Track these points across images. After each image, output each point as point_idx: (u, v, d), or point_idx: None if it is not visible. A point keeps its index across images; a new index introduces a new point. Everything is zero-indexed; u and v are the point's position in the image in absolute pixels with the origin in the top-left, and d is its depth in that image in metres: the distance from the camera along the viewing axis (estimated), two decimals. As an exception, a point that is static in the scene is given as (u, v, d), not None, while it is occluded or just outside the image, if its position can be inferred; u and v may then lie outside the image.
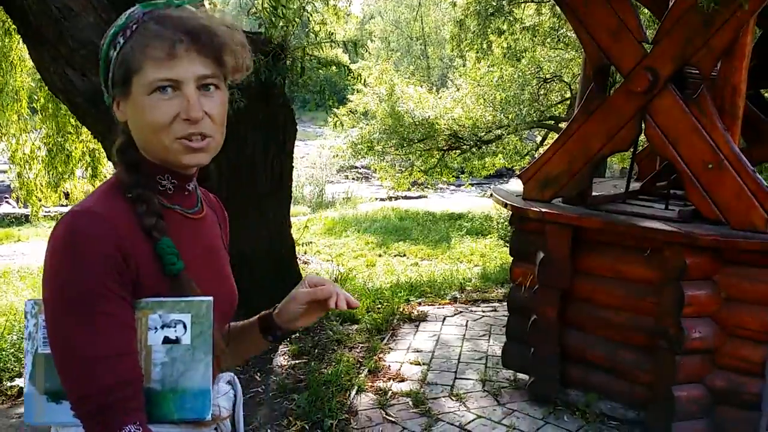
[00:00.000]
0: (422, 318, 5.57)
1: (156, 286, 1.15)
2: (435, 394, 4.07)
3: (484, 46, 12.50)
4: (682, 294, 3.23)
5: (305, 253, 9.77)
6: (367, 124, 13.96)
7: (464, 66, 15.16)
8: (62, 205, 10.51)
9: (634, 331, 3.56)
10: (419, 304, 6.05)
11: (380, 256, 10.44)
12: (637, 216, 3.60)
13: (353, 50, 5.59)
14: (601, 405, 3.70)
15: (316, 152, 21.92)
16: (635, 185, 4.43)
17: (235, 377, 1.42)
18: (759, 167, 5.16)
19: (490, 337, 5.12)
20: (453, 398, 4.01)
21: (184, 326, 1.16)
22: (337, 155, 15.71)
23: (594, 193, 3.98)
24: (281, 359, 4.57)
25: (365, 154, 14.40)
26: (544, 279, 3.74)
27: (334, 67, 5.53)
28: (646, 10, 6.73)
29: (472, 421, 3.73)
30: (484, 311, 5.84)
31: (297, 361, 4.50)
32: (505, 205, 4.00)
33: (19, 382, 4.26)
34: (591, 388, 3.76)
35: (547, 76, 12.85)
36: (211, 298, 1.18)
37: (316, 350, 4.68)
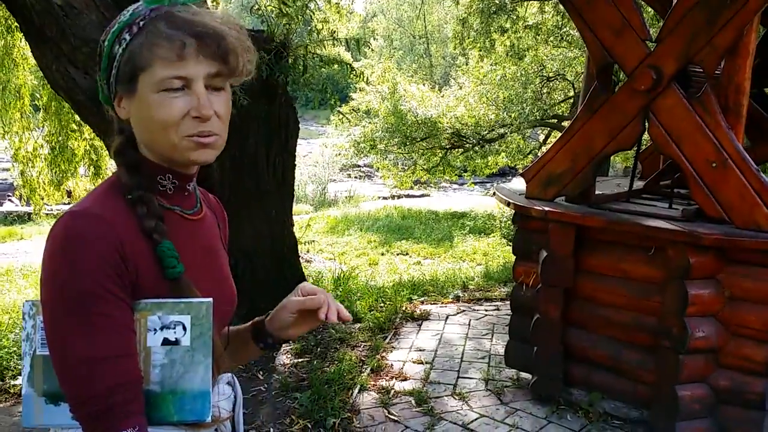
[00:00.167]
0: (425, 317, 5.56)
1: (156, 288, 1.14)
2: (438, 393, 4.07)
3: (487, 44, 12.50)
4: (685, 293, 3.22)
5: (308, 251, 9.78)
6: (370, 123, 13.96)
7: (467, 64, 15.15)
8: (65, 203, 10.55)
9: (637, 331, 3.55)
10: (422, 302, 6.04)
11: (383, 254, 10.44)
12: (640, 215, 3.59)
13: (356, 48, 5.58)
14: (605, 404, 3.69)
15: (319, 151, 21.93)
16: (639, 184, 4.42)
17: (235, 378, 1.41)
18: (763, 166, 5.15)
19: (492, 336, 5.11)
20: (456, 397, 4.01)
21: (184, 328, 1.15)
22: (339, 153, 15.73)
23: (597, 192, 3.97)
24: (284, 358, 4.57)
25: (368, 153, 14.42)
26: (547, 278, 3.73)
27: (336, 66, 5.53)
28: (649, 9, 6.72)
29: (475, 420, 3.72)
30: (486, 310, 5.84)
31: (299, 360, 4.50)
32: (508, 204, 4.00)
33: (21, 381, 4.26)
34: (594, 387, 3.75)
35: (550, 74, 12.83)
36: (210, 300, 1.17)
37: (319, 349, 4.68)
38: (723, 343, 3.30)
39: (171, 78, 1.10)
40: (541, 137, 15.37)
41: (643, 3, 5.63)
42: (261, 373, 4.31)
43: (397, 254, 10.51)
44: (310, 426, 3.61)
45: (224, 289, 1.33)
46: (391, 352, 4.75)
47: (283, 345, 4.72)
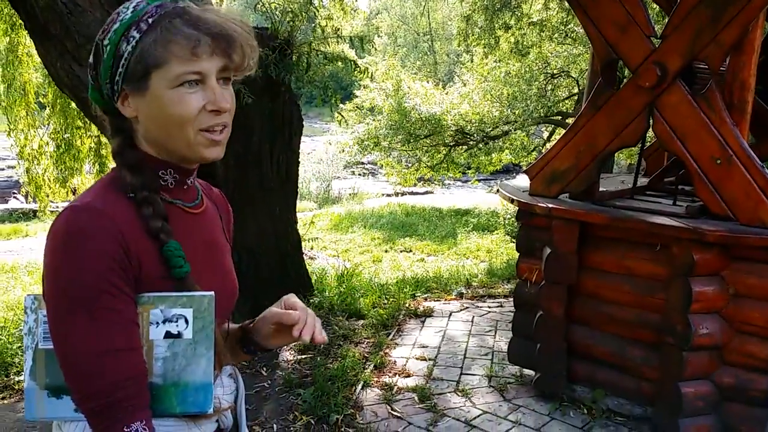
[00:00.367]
0: (428, 313, 5.56)
1: (158, 282, 1.15)
2: (441, 389, 4.07)
3: (491, 41, 12.48)
4: (689, 290, 3.21)
5: (312, 248, 9.78)
6: (374, 120, 13.95)
7: (471, 61, 15.12)
8: (70, 201, 10.55)
9: (641, 327, 3.54)
10: (425, 299, 6.05)
11: (386, 251, 10.44)
12: (644, 212, 3.58)
13: (359, 46, 5.58)
14: (608, 401, 3.69)
15: (323, 148, 21.91)
16: (643, 181, 4.41)
17: (237, 370, 1.42)
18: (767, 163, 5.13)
19: (496, 332, 5.11)
20: (459, 394, 4.01)
21: (186, 321, 1.16)
22: (343, 151, 15.71)
23: (601, 189, 3.96)
24: (287, 354, 4.57)
25: (372, 150, 14.40)
26: (551, 275, 3.73)
27: (340, 63, 5.53)
28: (654, 5, 6.70)
29: (478, 416, 3.73)
30: (490, 307, 5.83)
31: (303, 356, 4.50)
32: (512, 201, 3.99)
33: (26, 376, 4.28)
34: (597, 384, 3.75)
35: (555, 71, 12.81)
36: (212, 293, 1.18)
37: (322, 345, 4.68)
38: (727, 340, 3.29)
39: (188, 73, 1.11)
40: (545, 134, 15.34)
41: (647, -1, 5.61)
42: (264, 369, 4.32)
43: (401, 251, 10.51)
44: (313, 422, 3.62)
45: (226, 283, 1.33)
46: (395, 348, 4.75)
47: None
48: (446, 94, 14.50)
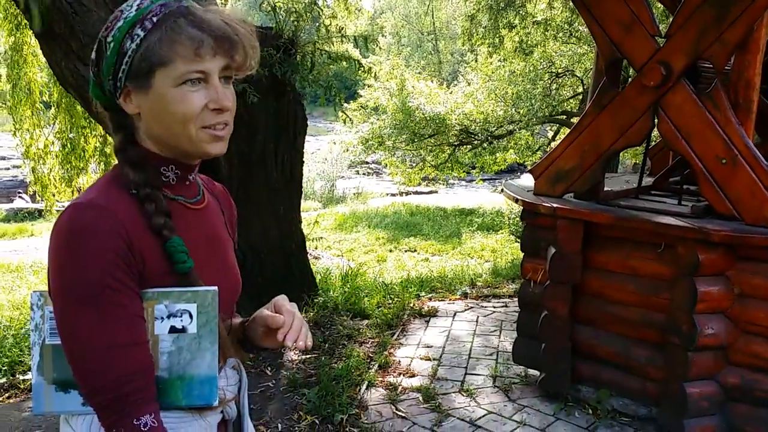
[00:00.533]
0: (433, 313, 5.56)
1: (162, 278, 1.17)
2: (445, 389, 4.07)
3: (496, 40, 12.47)
4: (694, 290, 3.20)
5: (316, 248, 9.80)
6: (378, 119, 13.96)
7: (476, 61, 15.11)
8: (73, 198, 10.56)
9: (646, 327, 3.54)
10: (430, 299, 6.04)
11: (391, 251, 10.45)
12: (649, 211, 3.57)
13: (364, 45, 5.58)
14: (613, 401, 3.68)
15: (327, 147, 21.94)
16: (648, 180, 4.40)
17: (240, 362, 1.43)
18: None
19: (500, 332, 5.11)
20: (463, 394, 4.01)
21: (190, 316, 1.18)
22: (347, 150, 15.72)
23: (606, 189, 3.95)
24: (292, 354, 4.58)
25: (376, 149, 14.41)
26: (555, 274, 3.72)
27: (344, 62, 5.53)
28: (659, 4, 6.69)
29: (483, 416, 3.72)
30: (494, 307, 5.83)
31: (307, 356, 4.50)
32: (516, 201, 3.99)
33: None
34: (602, 384, 3.74)
35: (559, 70, 12.79)
36: (215, 288, 1.19)
37: (327, 345, 4.69)
38: (732, 340, 3.28)
39: (191, 72, 1.13)
40: (550, 134, 15.33)
41: (652, -2, 5.60)
42: (269, 369, 4.32)
43: (405, 251, 10.51)
44: (318, 422, 3.62)
45: (229, 278, 1.34)
46: (399, 348, 4.75)
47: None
48: (450, 93, 14.50)
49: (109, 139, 8.73)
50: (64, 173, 9.47)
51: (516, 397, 3.95)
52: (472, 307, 5.79)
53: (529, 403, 3.88)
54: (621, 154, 8.11)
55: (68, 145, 9.18)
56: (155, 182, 1.20)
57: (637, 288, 3.54)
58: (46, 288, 1.18)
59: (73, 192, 9.65)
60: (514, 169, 20.62)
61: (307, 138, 5.53)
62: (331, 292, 5.73)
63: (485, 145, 13.69)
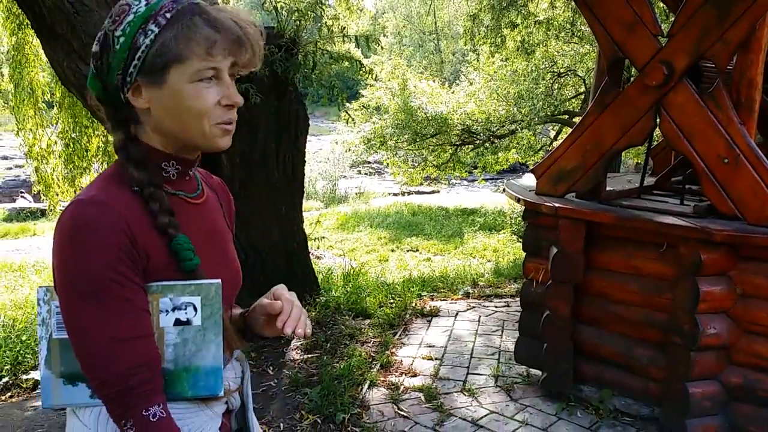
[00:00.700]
0: (435, 313, 5.56)
1: (167, 274, 1.19)
2: (447, 389, 4.07)
3: (498, 40, 12.46)
4: (697, 290, 3.20)
5: (318, 248, 9.79)
6: (380, 119, 13.95)
7: (477, 60, 15.10)
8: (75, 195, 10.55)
9: (648, 327, 3.53)
10: (432, 299, 6.04)
11: (393, 251, 10.45)
12: (651, 211, 3.57)
13: (365, 45, 5.57)
14: (615, 401, 3.68)
15: (329, 147, 21.95)
16: (650, 180, 4.39)
17: (242, 353, 1.46)
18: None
19: (502, 332, 5.10)
20: (465, 393, 4.01)
21: (195, 308, 1.20)
22: (349, 150, 15.72)
23: (608, 188, 3.95)
24: (294, 353, 4.58)
25: (378, 149, 14.41)
26: (557, 274, 3.72)
27: (346, 62, 5.53)
28: (661, 4, 6.68)
29: (485, 416, 3.72)
30: (496, 306, 5.83)
31: (309, 356, 4.51)
32: (518, 200, 3.98)
33: (34, 375, 4.30)
34: (604, 384, 3.74)
35: (561, 70, 12.77)
36: (219, 281, 1.22)
37: (329, 344, 4.69)
38: (735, 340, 3.27)
39: (206, 69, 1.16)
40: (552, 133, 15.31)
41: (654, -2, 5.59)
42: (271, 368, 4.33)
43: (407, 250, 10.52)
44: (319, 421, 3.63)
45: (230, 270, 1.36)
46: (401, 348, 4.75)
47: (293, 341, 4.73)
48: (452, 93, 14.50)
49: (111, 138, 8.74)
50: (67, 173, 9.48)
51: (518, 397, 3.95)
52: (474, 307, 5.79)
53: (531, 402, 3.87)
54: (623, 153, 8.10)
55: (71, 144, 9.19)
56: (158, 180, 1.21)
57: (640, 288, 3.54)
58: (51, 285, 1.20)
59: (76, 191, 9.66)
60: (516, 169, 20.62)
61: (308, 138, 5.53)
62: (333, 292, 5.73)
63: (487, 144, 13.69)
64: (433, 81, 15.56)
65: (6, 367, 4.39)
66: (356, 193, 19.63)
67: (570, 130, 5.36)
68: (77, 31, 3.97)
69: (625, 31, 3.49)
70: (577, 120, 10.86)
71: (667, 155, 5.01)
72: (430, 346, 4.78)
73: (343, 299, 5.56)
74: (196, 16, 1.15)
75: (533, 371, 4.17)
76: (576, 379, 3.82)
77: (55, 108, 9.21)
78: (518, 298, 4.49)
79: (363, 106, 14.94)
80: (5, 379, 4.28)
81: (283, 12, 4.86)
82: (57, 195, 9.72)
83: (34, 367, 4.43)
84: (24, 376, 4.31)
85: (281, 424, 3.62)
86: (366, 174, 23.99)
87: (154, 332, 1.18)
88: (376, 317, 5.31)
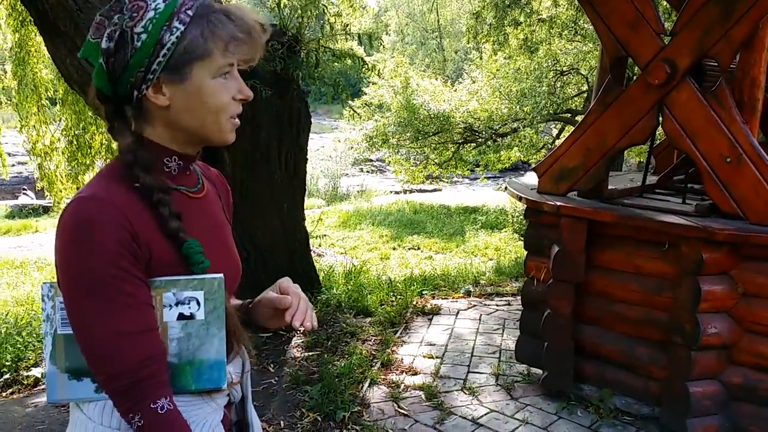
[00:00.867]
0: (436, 311, 5.56)
1: (170, 269, 1.20)
2: (448, 387, 4.07)
3: (501, 37, 12.44)
4: (698, 289, 3.19)
5: (319, 245, 9.80)
6: (382, 117, 13.94)
7: (480, 58, 15.09)
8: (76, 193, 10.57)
9: (649, 326, 3.53)
10: (433, 297, 6.04)
11: (394, 249, 10.44)
12: (653, 210, 3.56)
13: (368, 43, 5.57)
14: (616, 400, 3.68)
15: (331, 145, 21.94)
16: (652, 179, 4.39)
17: (243, 345, 1.47)
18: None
19: (503, 331, 5.10)
20: (466, 392, 4.00)
21: (198, 303, 1.21)
22: (352, 147, 15.72)
23: (610, 187, 3.94)
24: (294, 351, 4.58)
25: (380, 147, 14.40)
26: (559, 273, 3.72)
27: (348, 60, 5.53)
28: (664, 2, 6.66)
29: (485, 415, 3.72)
30: (498, 305, 5.82)
31: (310, 353, 4.51)
32: (520, 199, 3.98)
33: (36, 371, 4.31)
34: (605, 383, 3.74)
35: (564, 68, 12.75)
36: (221, 276, 1.23)
37: (329, 342, 4.69)
38: (736, 339, 3.27)
39: (226, 65, 1.20)
40: (555, 132, 15.29)
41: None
42: (272, 366, 4.33)
43: (409, 249, 10.50)
44: (320, 419, 3.63)
45: (231, 262, 1.38)
46: (402, 346, 4.75)
47: (293, 339, 4.74)
48: (455, 91, 14.48)
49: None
50: (70, 170, 9.50)
51: (518, 396, 3.95)
52: (475, 305, 5.79)
53: (531, 401, 3.87)
54: (625, 152, 8.09)
55: (74, 141, 9.20)
56: (164, 185, 1.21)
57: (641, 287, 3.53)
58: (54, 281, 1.21)
59: (79, 188, 9.66)
60: (518, 167, 20.57)
61: (311, 135, 5.53)
62: (335, 290, 5.73)
63: (489, 143, 13.67)
64: (436, 79, 15.55)
65: (7, 364, 4.39)
66: (358, 191, 19.60)
67: (572, 128, 5.36)
68: (80, 28, 3.97)
69: (627, 30, 3.48)
70: (579, 118, 10.85)
71: (669, 154, 5.00)
72: (430, 345, 4.78)
73: (345, 297, 5.56)
74: (220, 13, 1.18)
75: (534, 370, 4.16)
76: (576, 378, 3.82)
77: (59, 105, 9.22)
78: (519, 297, 4.49)
79: (365, 103, 14.93)
80: (6, 376, 4.29)
81: (286, 10, 4.86)
82: (61, 192, 9.73)
83: (36, 364, 4.43)
84: (25, 373, 4.32)
85: (281, 422, 3.62)
86: (368, 172, 23.96)
87: (158, 327, 1.19)
88: (377, 315, 5.31)
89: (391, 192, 19.89)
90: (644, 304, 3.54)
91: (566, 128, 13.77)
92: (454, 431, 3.55)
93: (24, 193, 18.24)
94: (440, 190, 20.63)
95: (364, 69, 5.88)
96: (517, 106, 12.57)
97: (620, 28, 3.51)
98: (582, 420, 3.63)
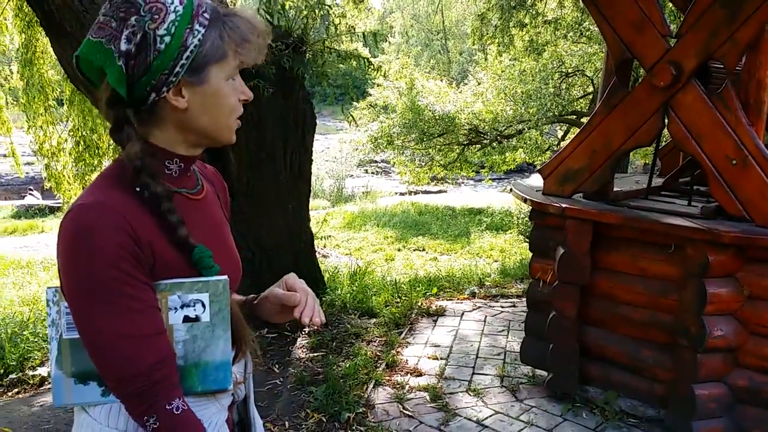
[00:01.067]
0: (440, 312, 5.56)
1: (175, 272, 1.20)
2: (452, 389, 4.07)
3: (506, 39, 12.44)
4: (704, 291, 3.19)
5: (324, 246, 9.81)
6: (387, 118, 13.95)
7: (485, 60, 15.08)
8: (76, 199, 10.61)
9: (654, 329, 3.52)
10: (438, 298, 6.04)
11: (399, 250, 10.44)
12: (659, 212, 3.56)
13: (373, 43, 5.58)
14: (621, 402, 3.67)
15: (337, 146, 21.97)
16: (658, 181, 4.38)
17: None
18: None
19: (508, 332, 5.10)
20: (470, 393, 4.00)
21: (203, 305, 1.22)
22: (357, 149, 15.73)
23: (615, 189, 3.94)
24: (299, 352, 4.59)
25: (385, 148, 14.40)
26: (564, 275, 3.71)
27: (354, 61, 5.53)
28: (669, 4, 6.65)
29: (490, 416, 3.72)
30: (503, 307, 5.82)
31: (315, 354, 4.51)
32: (525, 200, 3.98)
33: (42, 371, 4.33)
34: (610, 385, 3.73)
35: (569, 70, 12.74)
36: (226, 278, 1.24)
37: (334, 343, 4.69)
38: (742, 342, 3.26)
39: (236, 67, 1.23)
40: (560, 133, 15.28)
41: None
42: (277, 366, 4.33)
43: (414, 250, 10.50)
44: (324, 420, 3.63)
45: (232, 262, 1.39)
46: (407, 347, 4.75)
47: (298, 339, 4.74)
48: (460, 92, 14.48)
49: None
50: (77, 170, 9.53)
51: (523, 398, 3.94)
52: (480, 307, 5.79)
53: (536, 403, 3.87)
54: (631, 154, 8.08)
55: (82, 142, 9.23)
56: (169, 190, 1.20)
57: (646, 289, 3.53)
58: (59, 284, 1.21)
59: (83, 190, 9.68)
60: (523, 169, 20.56)
61: (316, 136, 5.54)
62: (339, 291, 5.74)
63: (494, 144, 13.66)
64: (441, 80, 15.55)
65: (13, 364, 4.41)
66: (363, 192, 19.63)
67: (578, 130, 5.35)
68: (86, 29, 3.94)
69: (633, 31, 3.48)
70: (584, 120, 10.83)
71: (675, 156, 4.99)
72: (435, 346, 4.78)
73: (349, 298, 5.57)
74: (231, 16, 1.20)
75: (539, 372, 4.16)
76: (582, 380, 3.82)
77: (66, 105, 9.26)
78: (524, 299, 4.48)
79: (370, 105, 14.94)
80: (12, 375, 4.30)
81: (291, 11, 4.87)
82: (69, 191, 9.76)
83: (42, 364, 4.45)
84: (31, 373, 4.33)
85: (286, 422, 3.62)
86: (373, 173, 23.99)
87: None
88: (381, 316, 5.31)
89: (396, 193, 19.91)
90: (650, 306, 3.53)
91: (571, 130, 13.76)
92: (459, 433, 3.55)
93: (30, 194, 18.32)
94: (445, 191, 20.64)
95: (369, 70, 5.88)
96: (523, 108, 12.57)
97: (626, 30, 3.51)
98: (587, 422, 3.63)
